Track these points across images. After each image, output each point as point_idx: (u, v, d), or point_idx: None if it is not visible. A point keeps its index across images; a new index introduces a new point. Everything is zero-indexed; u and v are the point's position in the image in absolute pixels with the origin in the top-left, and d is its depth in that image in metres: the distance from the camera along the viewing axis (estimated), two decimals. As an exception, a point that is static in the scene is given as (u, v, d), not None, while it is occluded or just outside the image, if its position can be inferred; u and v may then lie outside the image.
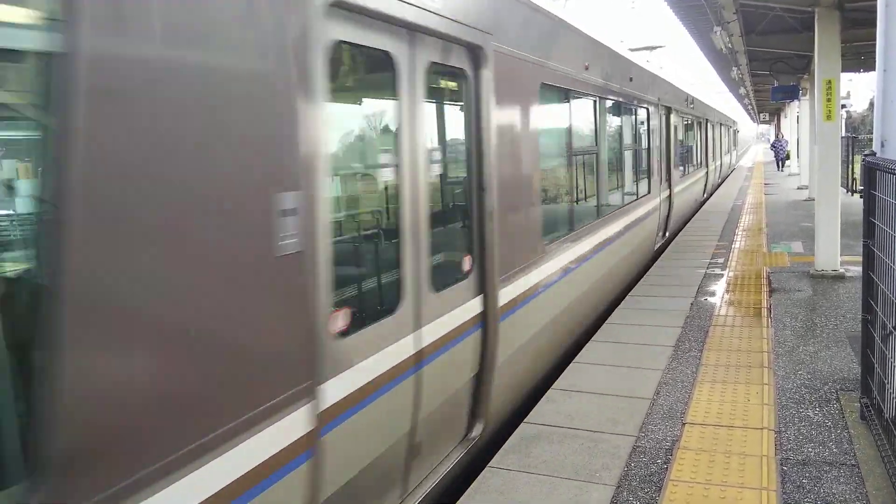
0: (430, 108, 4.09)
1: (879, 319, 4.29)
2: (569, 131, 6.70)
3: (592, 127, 7.89)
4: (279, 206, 2.61)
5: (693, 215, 17.01)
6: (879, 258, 4.26)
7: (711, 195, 22.58)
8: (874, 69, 4.59)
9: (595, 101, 7.75)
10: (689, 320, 7.28)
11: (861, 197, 4.82)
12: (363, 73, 3.80)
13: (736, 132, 44.19)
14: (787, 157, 34.71)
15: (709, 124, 21.65)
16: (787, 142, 35.78)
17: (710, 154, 21.89)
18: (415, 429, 3.81)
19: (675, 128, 14.04)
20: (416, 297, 3.73)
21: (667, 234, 12.86)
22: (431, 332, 3.86)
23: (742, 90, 33.06)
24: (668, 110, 13.00)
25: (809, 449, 4.27)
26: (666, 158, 12.69)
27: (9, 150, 2.61)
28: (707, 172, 20.95)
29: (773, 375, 5.54)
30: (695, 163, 18.43)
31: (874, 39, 4.58)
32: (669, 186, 12.97)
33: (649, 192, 10.94)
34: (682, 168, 15.55)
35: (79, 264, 1.90)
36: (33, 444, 1.87)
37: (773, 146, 38.51)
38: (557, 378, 5.65)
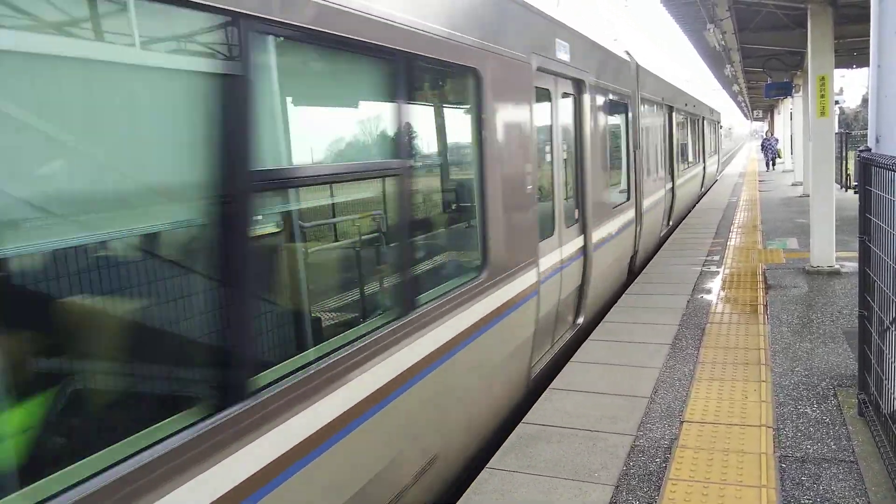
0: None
1: (876, 315, 4.30)
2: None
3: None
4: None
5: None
6: (875, 254, 4.26)
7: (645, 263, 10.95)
8: (867, 65, 4.59)
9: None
10: (685, 318, 7.28)
11: (855, 193, 4.82)
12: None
13: (719, 127, 31.07)
14: (778, 156, 34.71)
15: (641, 108, 10.53)
16: (777, 140, 35.78)
17: (643, 182, 10.53)
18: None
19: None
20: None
21: None
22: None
23: (735, 87, 33.15)
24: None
25: (808, 446, 4.27)
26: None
27: None
28: (635, 224, 10.01)
29: (771, 372, 5.54)
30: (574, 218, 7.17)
31: (867, 35, 4.59)
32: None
33: None
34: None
35: None
36: None
37: (762, 145, 38.52)
38: (555, 377, 5.64)
